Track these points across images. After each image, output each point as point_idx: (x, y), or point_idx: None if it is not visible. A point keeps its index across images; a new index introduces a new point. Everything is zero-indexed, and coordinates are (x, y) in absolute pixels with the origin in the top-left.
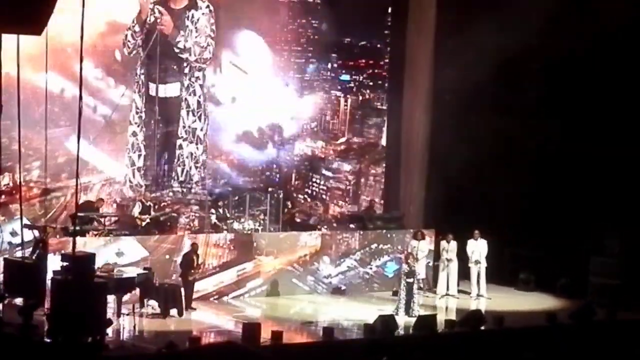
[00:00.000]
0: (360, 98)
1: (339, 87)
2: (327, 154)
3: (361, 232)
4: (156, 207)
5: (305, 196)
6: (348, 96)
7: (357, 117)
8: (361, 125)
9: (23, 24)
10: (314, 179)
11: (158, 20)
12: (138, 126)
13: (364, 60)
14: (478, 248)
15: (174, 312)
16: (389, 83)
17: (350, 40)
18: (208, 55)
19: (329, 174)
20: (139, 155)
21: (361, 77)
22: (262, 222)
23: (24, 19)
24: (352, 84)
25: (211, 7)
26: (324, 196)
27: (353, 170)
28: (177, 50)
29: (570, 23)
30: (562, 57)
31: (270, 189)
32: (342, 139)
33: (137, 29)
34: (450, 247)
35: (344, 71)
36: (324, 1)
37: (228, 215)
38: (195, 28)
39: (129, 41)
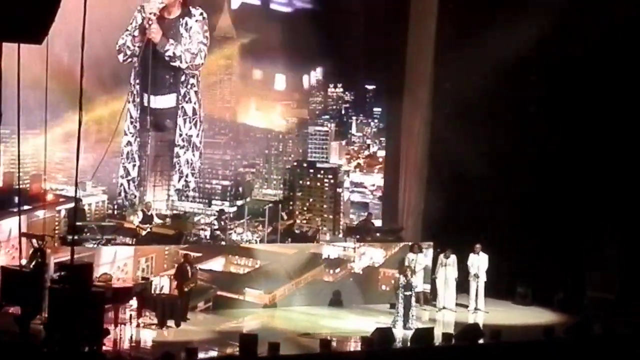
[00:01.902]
0: (361, 110)
1: (340, 101)
2: (350, 167)
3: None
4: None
5: (324, 210)
6: (351, 110)
7: (364, 131)
8: (367, 138)
9: (23, 33)
10: (337, 192)
11: (146, 29)
12: (132, 136)
13: (363, 72)
14: (478, 262)
15: (171, 322)
16: (389, 95)
17: (349, 51)
18: (200, 61)
19: (353, 187)
20: (134, 166)
21: (361, 89)
22: (260, 233)
23: (24, 28)
24: (353, 97)
25: (204, 15)
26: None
27: (377, 184)
28: (167, 59)
29: (569, 32)
30: (562, 67)
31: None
32: (366, 152)
33: (136, 33)
34: (449, 262)
35: (345, 83)
36: (324, 15)
37: (227, 226)
38: (189, 35)
39: (127, 47)
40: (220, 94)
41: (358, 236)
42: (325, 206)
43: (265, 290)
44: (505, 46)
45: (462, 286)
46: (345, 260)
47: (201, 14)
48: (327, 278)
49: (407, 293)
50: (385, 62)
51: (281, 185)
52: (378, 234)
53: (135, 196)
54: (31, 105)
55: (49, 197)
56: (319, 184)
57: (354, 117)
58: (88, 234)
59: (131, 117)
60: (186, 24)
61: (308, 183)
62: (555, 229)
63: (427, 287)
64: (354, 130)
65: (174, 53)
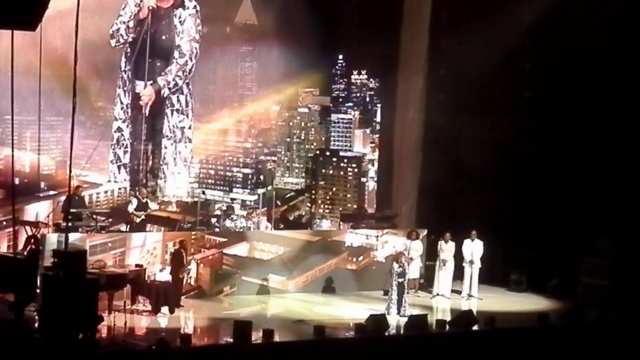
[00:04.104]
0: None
1: (365, 88)
2: (375, 156)
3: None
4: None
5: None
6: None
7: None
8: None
9: (17, 20)
10: (361, 182)
11: (148, 18)
12: (124, 122)
13: (358, 60)
14: (473, 249)
15: (164, 309)
16: (383, 83)
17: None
18: (191, 64)
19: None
20: (125, 152)
21: (356, 78)
22: (254, 220)
23: (18, 15)
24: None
25: (198, 7)
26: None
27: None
28: (164, 48)
29: (563, 23)
30: (556, 57)
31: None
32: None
33: (131, 24)
34: (447, 248)
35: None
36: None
37: (220, 213)
38: (182, 29)
39: (120, 35)
40: (242, 81)
41: (352, 223)
42: (348, 196)
43: (288, 276)
44: (500, 33)
45: (456, 272)
46: (368, 249)
47: (195, 6)
48: (350, 266)
49: (401, 280)
50: (380, 49)
51: (303, 174)
52: (372, 221)
53: (127, 180)
54: (24, 92)
55: (74, 182)
56: (342, 173)
57: (378, 105)
58: (84, 219)
59: (121, 102)
60: (180, 16)
61: (331, 172)
62: (550, 215)
63: (422, 274)
64: (378, 118)
65: (172, 43)
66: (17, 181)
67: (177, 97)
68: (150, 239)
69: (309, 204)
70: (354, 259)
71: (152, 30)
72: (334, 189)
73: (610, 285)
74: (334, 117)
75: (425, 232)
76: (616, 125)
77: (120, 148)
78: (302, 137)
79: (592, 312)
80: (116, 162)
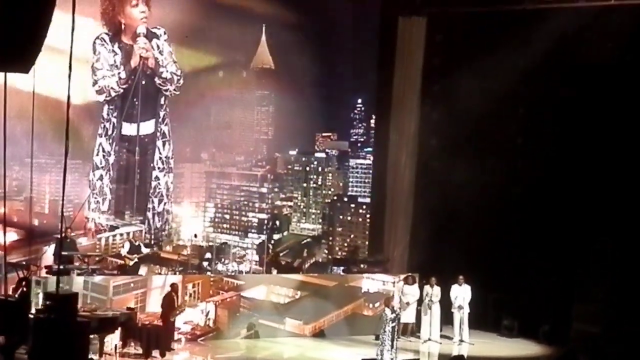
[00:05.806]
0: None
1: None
2: None
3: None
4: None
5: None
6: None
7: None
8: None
9: (10, 62)
10: None
11: (140, 66)
12: (104, 169)
13: (351, 103)
14: (462, 293)
15: (156, 353)
16: (375, 127)
17: (337, 82)
18: (181, 82)
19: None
20: (104, 199)
21: (349, 120)
22: (245, 264)
23: (10, 57)
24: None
25: (166, 32)
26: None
27: None
28: (159, 81)
29: (556, 68)
30: (549, 102)
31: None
32: None
33: (123, 75)
34: (433, 292)
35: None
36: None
37: (212, 256)
38: (164, 57)
39: (111, 88)
40: (258, 125)
41: (344, 267)
42: (367, 242)
43: (304, 320)
44: (492, 78)
45: (446, 318)
46: (384, 295)
47: (164, 32)
48: (366, 312)
49: (393, 325)
50: (373, 94)
51: (320, 220)
52: (364, 265)
53: (116, 227)
54: (18, 135)
55: (90, 225)
56: (360, 219)
57: None
58: (76, 264)
59: (103, 150)
60: (158, 46)
61: (349, 218)
62: (541, 261)
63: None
64: None
65: (166, 76)
66: (36, 222)
67: (168, 127)
68: (170, 281)
69: (326, 251)
70: (371, 305)
71: (148, 65)
72: (351, 235)
73: (602, 331)
74: (352, 162)
75: (417, 276)
76: (609, 169)
77: (101, 197)
78: (319, 183)
79: (583, 358)
80: (98, 211)
